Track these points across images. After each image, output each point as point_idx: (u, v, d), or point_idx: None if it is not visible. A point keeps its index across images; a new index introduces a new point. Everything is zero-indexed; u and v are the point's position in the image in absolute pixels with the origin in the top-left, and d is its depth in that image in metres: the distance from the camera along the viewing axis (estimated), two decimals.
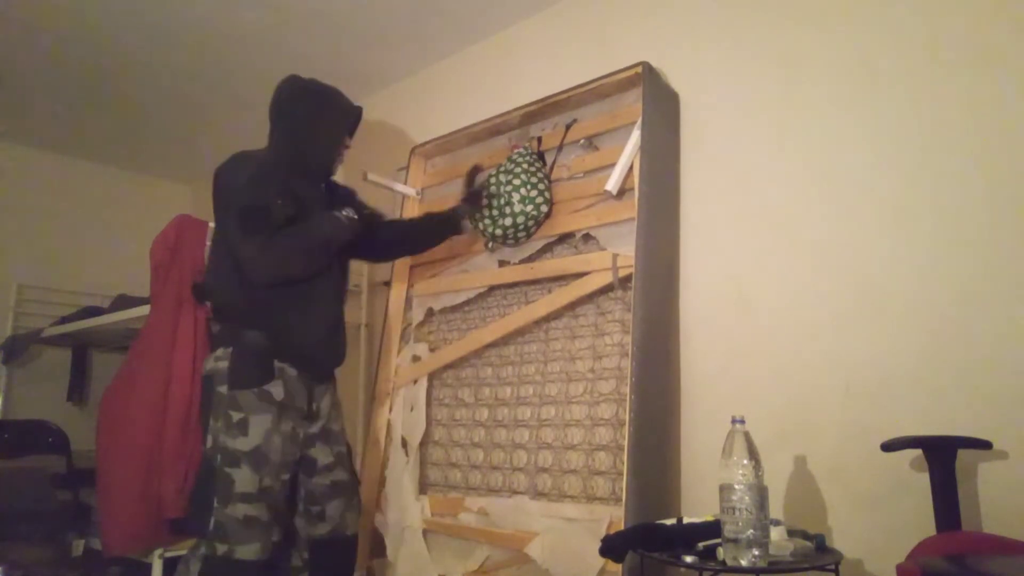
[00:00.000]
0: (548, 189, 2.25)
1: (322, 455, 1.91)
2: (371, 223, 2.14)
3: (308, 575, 1.89)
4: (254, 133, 3.74)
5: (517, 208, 2.22)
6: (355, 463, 2.08)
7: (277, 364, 1.80)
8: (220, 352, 1.79)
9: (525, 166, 2.27)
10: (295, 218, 1.80)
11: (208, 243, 2.50)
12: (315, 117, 2.01)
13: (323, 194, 2.03)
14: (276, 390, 1.78)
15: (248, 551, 1.67)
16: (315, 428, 1.91)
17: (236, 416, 1.73)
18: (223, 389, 1.75)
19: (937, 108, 1.67)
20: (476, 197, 2.28)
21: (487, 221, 2.31)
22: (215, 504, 1.68)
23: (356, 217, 1.95)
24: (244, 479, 1.70)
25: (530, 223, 2.24)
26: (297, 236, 1.81)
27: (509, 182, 2.27)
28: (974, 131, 1.61)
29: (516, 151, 2.36)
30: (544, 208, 2.23)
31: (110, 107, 3.39)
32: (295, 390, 1.83)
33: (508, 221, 2.24)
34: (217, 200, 1.86)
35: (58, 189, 3.91)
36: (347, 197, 2.13)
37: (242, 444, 1.71)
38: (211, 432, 1.74)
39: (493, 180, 2.33)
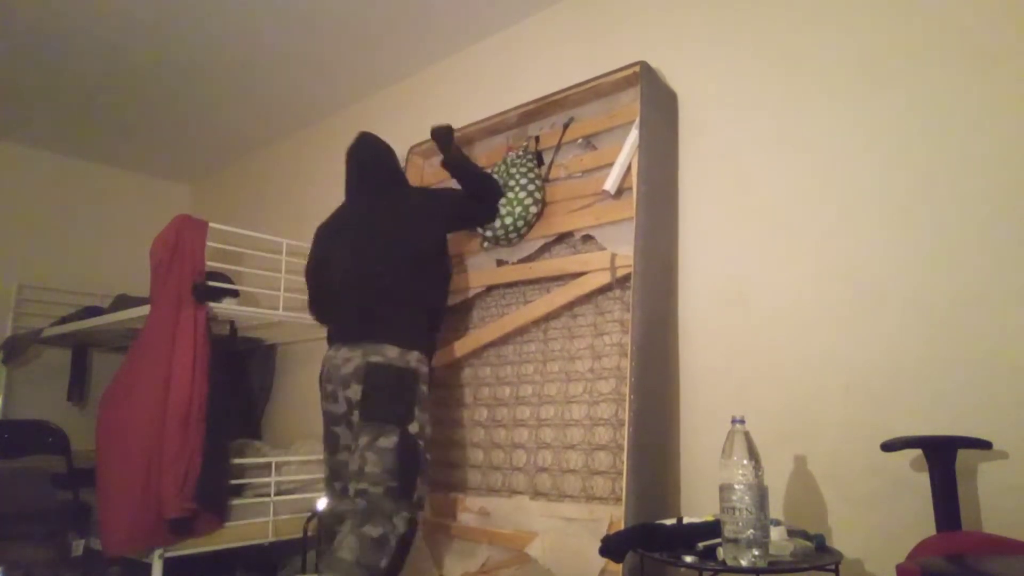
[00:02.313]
0: (539, 190, 2.26)
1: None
2: None
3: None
4: (254, 133, 3.76)
5: (504, 210, 2.26)
6: None
7: None
8: (419, 356, 2.03)
9: (515, 169, 2.29)
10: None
11: (208, 243, 2.51)
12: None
13: None
14: None
15: (417, 524, 1.98)
16: None
17: (429, 416, 2.06)
18: (424, 388, 2.02)
19: (937, 108, 1.67)
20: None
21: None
22: (418, 480, 1.94)
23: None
24: (428, 467, 2.01)
25: (520, 224, 2.27)
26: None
27: (504, 185, 2.29)
28: (974, 131, 1.61)
29: (509, 154, 2.36)
30: (533, 209, 2.25)
31: (110, 107, 3.39)
32: None
33: (497, 223, 2.27)
34: (428, 207, 2.20)
35: (58, 189, 3.91)
36: None
37: (430, 435, 2.04)
38: (419, 421, 1.98)
39: None
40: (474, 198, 2.27)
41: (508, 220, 2.25)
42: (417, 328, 2.07)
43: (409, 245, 2.11)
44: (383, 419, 1.94)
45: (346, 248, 2.18)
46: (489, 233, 2.31)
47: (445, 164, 2.31)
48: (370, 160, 2.31)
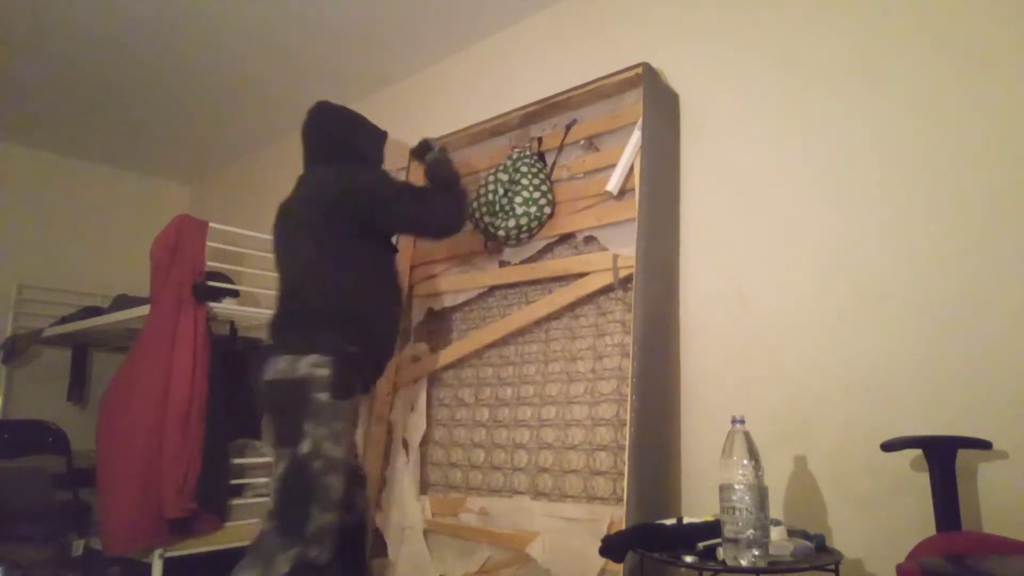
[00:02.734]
0: (551, 190, 2.26)
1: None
2: None
3: (339, 561, 1.91)
4: (254, 133, 3.76)
5: (520, 210, 2.23)
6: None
7: (364, 377, 1.90)
8: (316, 359, 1.76)
9: (525, 169, 2.27)
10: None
11: (208, 243, 2.51)
12: (360, 142, 2.15)
13: None
14: (358, 403, 1.89)
15: (326, 555, 1.72)
16: None
17: (338, 427, 1.76)
18: (324, 397, 1.74)
19: (937, 108, 1.67)
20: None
21: (487, 221, 2.31)
22: (313, 509, 1.70)
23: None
24: (336, 488, 1.74)
25: (533, 224, 2.25)
26: (455, 189, 2.08)
27: (511, 185, 2.27)
28: (975, 131, 1.61)
29: (515, 151, 2.36)
30: (547, 209, 2.24)
31: (110, 107, 3.39)
32: (362, 398, 1.94)
33: (511, 223, 2.24)
34: (347, 198, 1.93)
35: (58, 189, 3.91)
36: None
37: (339, 454, 1.75)
38: (311, 437, 1.72)
39: (492, 179, 2.34)
40: (428, 202, 2.02)
41: (523, 220, 2.23)
42: (314, 327, 1.83)
43: (308, 232, 1.90)
44: (277, 443, 1.76)
45: (276, 236, 2.04)
46: (501, 233, 2.28)
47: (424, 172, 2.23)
48: (307, 129, 2.09)
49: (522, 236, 2.27)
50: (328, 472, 1.73)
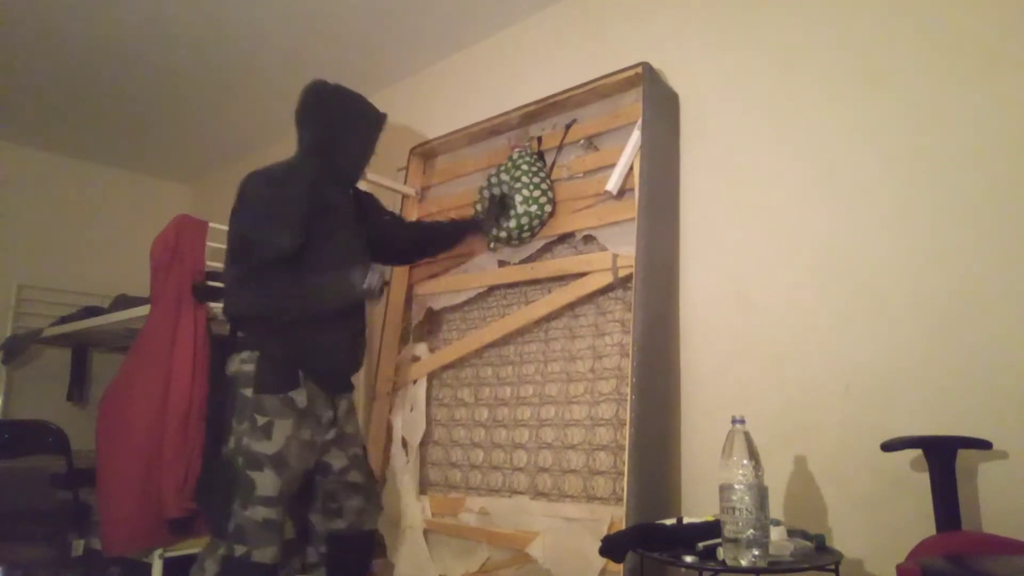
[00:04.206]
0: (551, 189, 2.25)
1: (336, 460, 1.93)
2: (393, 227, 2.21)
3: (325, 569, 1.91)
4: (254, 133, 3.76)
5: (520, 209, 2.22)
6: (370, 463, 2.11)
7: (301, 373, 1.81)
8: (246, 355, 1.78)
9: (526, 167, 2.27)
10: (308, 243, 1.80)
11: (208, 243, 2.51)
12: (346, 124, 1.98)
13: (350, 201, 2.04)
14: (299, 397, 1.79)
15: (265, 554, 1.68)
16: (331, 434, 1.91)
17: (261, 420, 1.73)
18: (248, 392, 1.74)
19: (937, 108, 1.67)
20: (495, 220, 2.27)
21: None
22: (235, 506, 1.68)
23: (384, 285, 1.86)
24: (266, 483, 1.70)
25: (535, 223, 2.24)
26: (294, 292, 1.77)
27: (512, 184, 2.27)
28: (975, 131, 1.61)
29: (516, 151, 2.36)
30: (548, 208, 2.23)
31: (110, 107, 3.39)
32: (316, 398, 1.84)
33: (512, 223, 2.24)
34: (236, 206, 1.83)
35: (58, 189, 3.91)
36: (370, 204, 2.17)
37: (266, 448, 1.72)
38: (234, 434, 1.73)
39: (494, 180, 2.34)
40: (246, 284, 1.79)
41: (524, 220, 2.23)
42: (247, 326, 1.82)
43: (231, 226, 1.82)
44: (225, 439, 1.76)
45: None
46: (504, 234, 2.27)
47: None
48: (296, 111, 2.00)
49: (524, 235, 2.27)
50: (251, 467, 1.70)
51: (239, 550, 1.66)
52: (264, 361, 1.77)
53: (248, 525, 1.67)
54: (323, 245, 1.85)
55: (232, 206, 1.83)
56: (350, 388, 2.01)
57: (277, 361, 1.78)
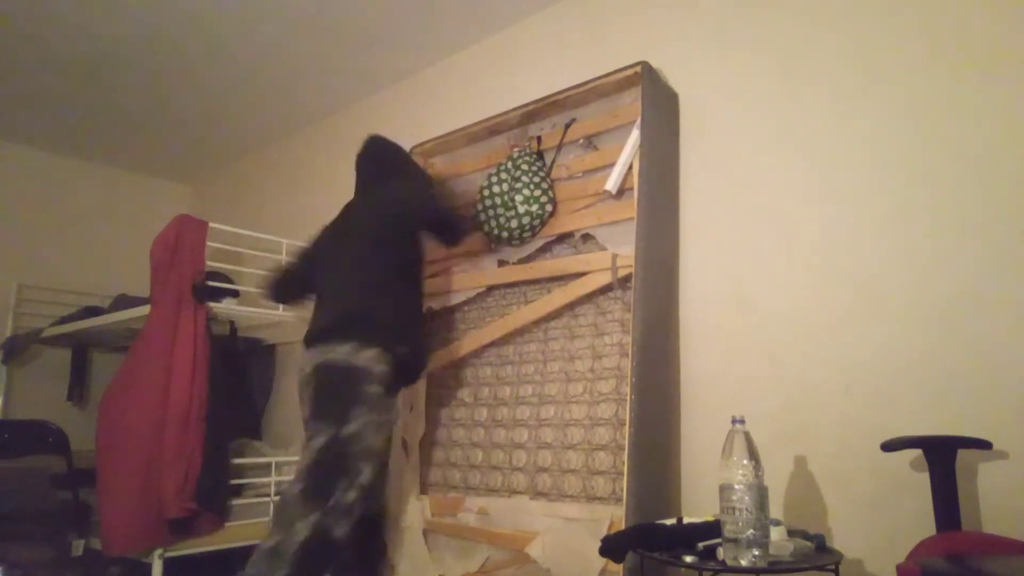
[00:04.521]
0: (551, 188, 2.25)
1: None
2: None
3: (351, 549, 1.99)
4: (254, 133, 3.76)
5: (522, 209, 2.23)
6: None
7: (407, 377, 2.06)
8: (377, 354, 1.90)
9: (525, 167, 2.27)
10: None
11: (208, 243, 2.51)
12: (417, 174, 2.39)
13: None
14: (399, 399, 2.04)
15: (343, 531, 1.79)
16: None
17: (382, 418, 1.91)
18: (377, 389, 1.88)
19: (937, 108, 1.67)
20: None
21: (492, 223, 2.31)
22: (341, 485, 1.79)
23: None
24: (367, 475, 1.84)
25: (535, 223, 2.24)
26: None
27: (512, 184, 2.27)
28: (975, 131, 1.61)
29: (515, 150, 2.36)
30: (549, 207, 2.23)
31: (110, 107, 3.39)
32: None
33: (514, 223, 2.24)
34: (408, 212, 2.14)
35: (58, 189, 3.91)
36: None
37: (378, 444, 1.90)
38: (358, 422, 1.83)
39: (494, 180, 2.34)
40: (450, 220, 2.25)
41: (525, 219, 2.23)
42: (375, 325, 1.95)
43: (373, 237, 2.06)
44: (319, 418, 1.86)
45: (328, 247, 2.17)
46: (505, 234, 2.28)
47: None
48: (368, 163, 2.29)
49: (525, 235, 2.27)
50: (364, 458, 1.83)
51: (330, 523, 1.77)
52: (394, 364, 1.94)
53: (345, 505, 1.79)
54: None
55: (372, 216, 2.14)
56: None
57: (403, 367, 1.98)
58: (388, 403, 1.94)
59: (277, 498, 1.83)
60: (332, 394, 1.87)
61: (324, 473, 1.79)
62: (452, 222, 2.24)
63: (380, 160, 2.29)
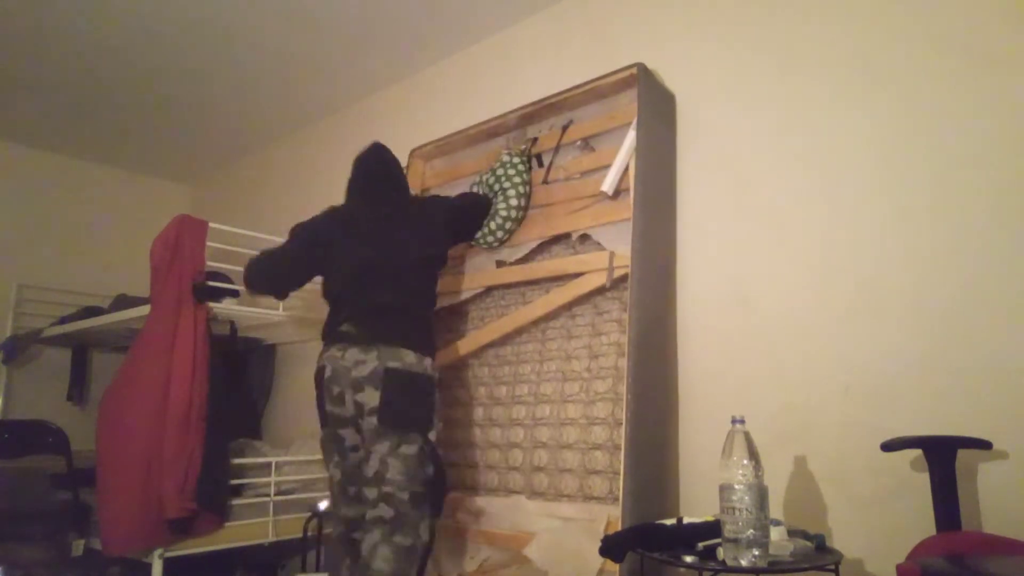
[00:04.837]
0: (526, 195, 2.30)
1: None
2: None
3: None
4: (254, 133, 3.76)
5: (503, 212, 2.31)
6: None
7: None
8: (431, 362, 1.99)
9: (500, 172, 2.33)
10: None
11: (208, 243, 2.51)
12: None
13: None
14: None
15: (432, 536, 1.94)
16: None
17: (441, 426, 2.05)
18: (438, 396, 1.99)
19: (937, 107, 1.67)
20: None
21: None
22: (446, 488, 1.97)
23: None
24: (444, 480, 1.97)
25: (508, 225, 2.31)
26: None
27: (491, 187, 2.34)
28: (974, 130, 1.61)
29: (503, 154, 2.38)
30: (515, 214, 2.30)
31: (110, 107, 3.39)
32: None
33: (493, 223, 2.32)
34: (436, 214, 2.17)
35: (58, 189, 3.91)
36: None
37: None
38: (436, 429, 1.96)
39: (477, 180, 2.38)
40: (467, 209, 2.31)
41: (502, 221, 2.30)
42: (428, 333, 2.05)
43: (424, 249, 2.10)
44: (405, 426, 1.90)
45: (355, 244, 2.10)
46: (481, 241, 2.37)
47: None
48: (379, 167, 2.27)
49: (499, 235, 2.33)
50: (442, 464, 1.96)
51: (438, 523, 1.94)
52: (438, 369, 2.02)
53: (440, 512, 1.95)
54: None
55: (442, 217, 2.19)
56: None
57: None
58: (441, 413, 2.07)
59: (384, 508, 1.88)
60: (412, 401, 1.93)
61: (436, 480, 1.91)
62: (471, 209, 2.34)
63: (387, 163, 2.28)
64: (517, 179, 2.29)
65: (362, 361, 1.93)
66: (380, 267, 2.06)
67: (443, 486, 1.95)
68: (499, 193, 2.31)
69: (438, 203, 2.24)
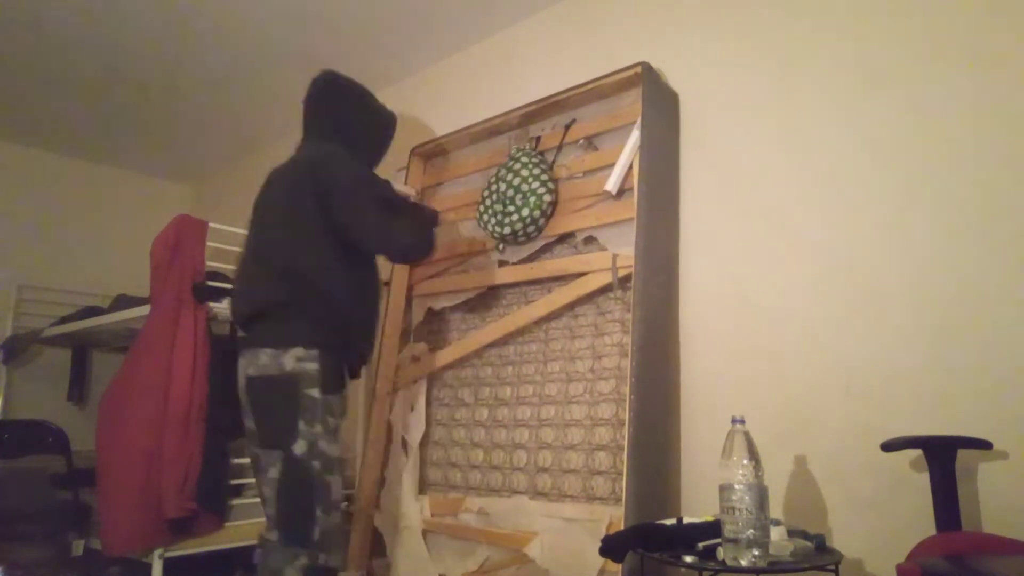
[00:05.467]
0: (552, 180, 2.24)
1: None
2: None
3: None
4: (254, 133, 3.76)
5: (520, 202, 2.23)
6: None
7: (350, 369, 1.86)
8: (302, 352, 1.68)
9: (525, 160, 2.27)
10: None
11: (208, 243, 2.51)
12: (370, 121, 2.07)
13: None
14: (346, 395, 1.84)
15: (338, 559, 1.69)
16: None
17: (332, 423, 1.71)
18: (315, 393, 1.68)
19: (937, 108, 1.67)
20: None
21: (494, 222, 2.31)
22: (319, 513, 1.64)
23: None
24: (337, 487, 1.70)
25: (535, 214, 2.20)
26: (425, 220, 2.04)
27: (510, 183, 2.27)
28: (974, 131, 1.61)
29: (514, 147, 2.36)
30: (548, 197, 2.20)
31: (110, 107, 3.39)
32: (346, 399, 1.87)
33: (515, 218, 2.23)
34: (329, 187, 1.79)
35: (58, 189, 3.91)
36: None
37: (335, 451, 1.71)
38: (305, 437, 1.65)
39: (494, 180, 2.34)
40: (399, 220, 1.88)
41: (524, 212, 2.21)
42: (297, 318, 1.72)
43: (285, 215, 1.78)
44: (266, 444, 1.67)
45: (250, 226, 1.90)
46: (508, 230, 2.25)
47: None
48: (307, 100, 1.99)
49: (529, 230, 2.24)
50: (328, 471, 1.68)
51: (322, 558, 1.63)
52: (325, 359, 1.71)
53: (329, 532, 1.65)
54: None
55: (308, 182, 1.82)
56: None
57: (337, 358, 1.75)
58: (333, 404, 1.72)
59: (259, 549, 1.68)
60: (269, 413, 1.69)
61: (297, 507, 1.63)
62: (379, 224, 1.82)
63: (325, 108, 1.99)
64: (544, 176, 2.23)
65: (241, 370, 1.75)
66: (248, 245, 1.84)
67: (310, 513, 1.61)
68: (524, 182, 2.22)
69: (310, 167, 1.84)
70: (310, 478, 1.64)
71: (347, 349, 1.82)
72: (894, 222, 1.69)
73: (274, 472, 1.65)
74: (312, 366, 1.68)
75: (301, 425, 1.65)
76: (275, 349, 1.69)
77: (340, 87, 2.04)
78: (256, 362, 1.70)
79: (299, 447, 1.65)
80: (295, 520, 1.63)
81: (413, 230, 1.90)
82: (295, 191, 1.82)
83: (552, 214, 2.25)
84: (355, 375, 1.93)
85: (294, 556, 1.61)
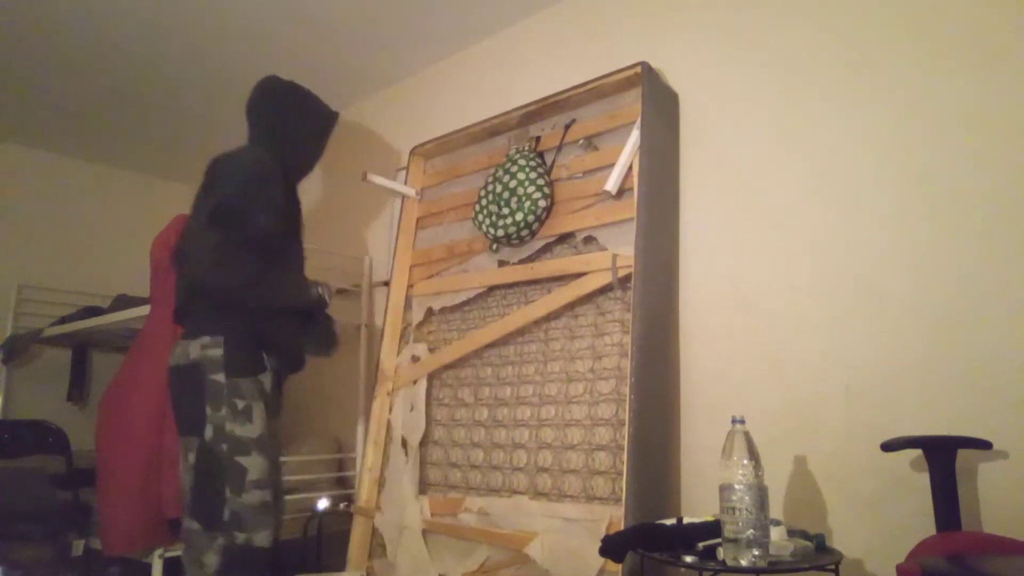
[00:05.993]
0: (548, 184, 2.24)
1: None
2: None
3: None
4: None
5: (515, 206, 2.22)
6: None
7: (265, 356, 1.82)
8: (208, 340, 1.73)
9: (523, 162, 2.27)
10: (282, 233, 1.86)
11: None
12: (300, 121, 2.04)
13: (298, 203, 2.05)
14: (266, 381, 1.80)
15: (264, 537, 1.69)
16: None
17: (240, 404, 1.72)
18: (220, 377, 1.71)
19: (937, 108, 1.67)
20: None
21: (488, 223, 2.31)
22: (227, 494, 1.67)
23: (329, 297, 1.98)
24: (256, 466, 1.71)
25: (530, 219, 2.21)
26: (270, 280, 1.78)
27: (506, 184, 2.28)
28: (974, 130, 1.61)
29: (513, 148, 2.36)
30: (543, 203, 2.21)
31: (110, 107, 3.39)
32: (274, 385, 1.84)
33: (509, 220, 2.24)
34: (213, 182, 1.81)
35: (58, 189, 3.91)
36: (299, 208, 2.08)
37: (250, 431, 1.72)
38: (212, 422, 1.69)
39: (491, 180, 2.34)
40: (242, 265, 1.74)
41: (519, 216, 2.21)
42: (205, 309, 1.77)
43: (194, 211, 1.81)
44: (183, 432, 1.74)
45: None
46: (501, 232, 2.26)
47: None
48: (247, 107, 2.02)
49: (523, 234, 2.25)
50: (238, 452, 1.69)
51: (239, 537, 1.66)
52: (231, 344, 1.73)
53: (244, 511, 1.67)
54: (284, 241, 1.90)
55: (203, 184, 1.83)
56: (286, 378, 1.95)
57: (245, 342, 1.76)
58: (241, 386, 1.72)
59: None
60: (181, 402, 1.75)
61: (206, 491, 1.66)
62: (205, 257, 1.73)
63: (257, 114, 2.01)
64: (540, 181, 2.23)
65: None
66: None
67: (220, 495, 1.63)
68: (523, 197, 2.22)
69: (219, 179, 1.81)
70: (218, 461, 1.68)
71: (259, 336, 1.80)
72: (894, 222, 1.69)
73: (191, 459, 1.70)
74: (215, 352, 1.72)
75: (208, 410, 1.69)
76: (187, 340, 1.76)
77: (275, 92, 2.06)
78: (174, 353, 1.78)
79: (207, 432, 1.69)
80: (206, 503, 1.67)
81: (235, 266, 1.72)
82: (201, 188, 1.86)
83: (547, 218, 2.25)
84: (294, 367, 1.91)
85: (211, 539, 1.66)
